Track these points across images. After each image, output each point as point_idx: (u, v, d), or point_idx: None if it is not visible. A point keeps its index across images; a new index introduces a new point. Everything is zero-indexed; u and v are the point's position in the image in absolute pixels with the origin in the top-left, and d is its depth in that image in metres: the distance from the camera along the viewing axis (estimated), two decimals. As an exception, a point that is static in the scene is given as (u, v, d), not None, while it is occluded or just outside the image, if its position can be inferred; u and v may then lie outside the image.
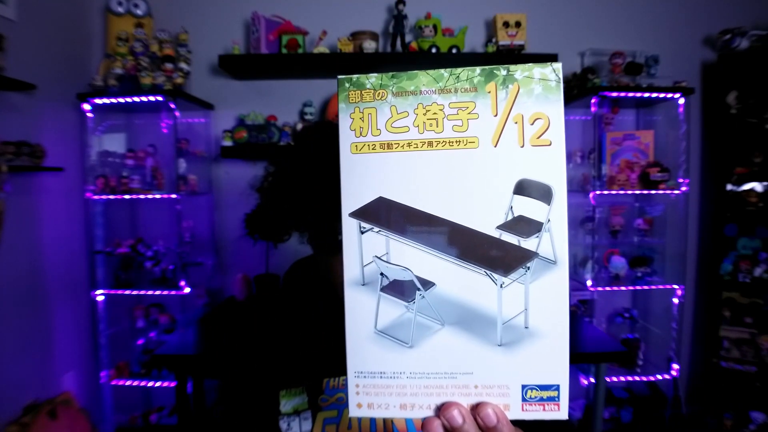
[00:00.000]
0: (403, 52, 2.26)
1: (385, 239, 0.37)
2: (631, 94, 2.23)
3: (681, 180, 2.27)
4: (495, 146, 0.36)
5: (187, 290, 2.22)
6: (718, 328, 2.32)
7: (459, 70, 0.37)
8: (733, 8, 2.44)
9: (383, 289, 0.38)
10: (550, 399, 0.36)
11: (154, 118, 2.35)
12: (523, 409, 0.36)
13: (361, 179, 0.37)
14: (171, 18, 2.40)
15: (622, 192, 2.29)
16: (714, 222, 2.46)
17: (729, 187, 2.32)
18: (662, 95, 2.25)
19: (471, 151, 0.37)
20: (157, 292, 2.23)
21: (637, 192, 2.31)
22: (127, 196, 2.21)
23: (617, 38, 2.44)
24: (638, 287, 2.36)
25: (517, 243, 0.37)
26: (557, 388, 0.36)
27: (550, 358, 0.36)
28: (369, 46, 2.25)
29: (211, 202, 2.49)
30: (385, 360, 0.37)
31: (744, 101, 2.27)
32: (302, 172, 0.63)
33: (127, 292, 2.25)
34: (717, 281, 2.35)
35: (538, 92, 0.36)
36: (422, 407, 0.37)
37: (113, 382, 2.26)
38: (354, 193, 0.37)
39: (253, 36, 2.30)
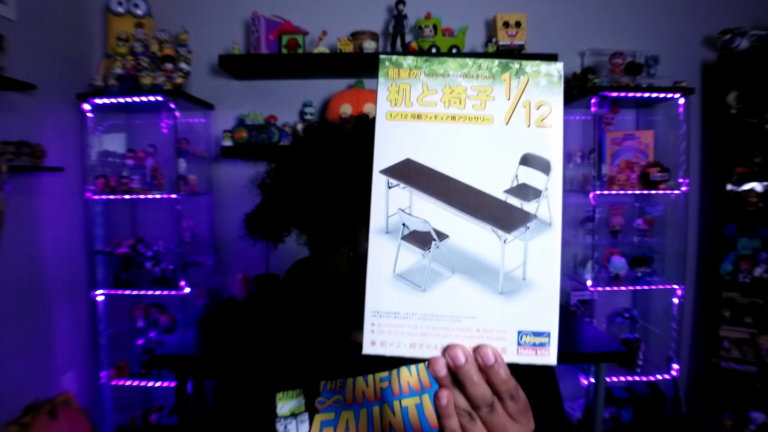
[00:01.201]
0: (403, 52, 2.26)
1: (409, 195, 0.43)
2: (631, 94, 2.23)
3: (681, 180, 2.28)
4: (506, 124, 0.43)
5: (187, 290, 2.22)
6: (718, 328, 2.32)
7: (481, 60, 0.44)
8: (733, 8, 2.44)
9: (404, 238, 0.43)
10: (542, 345, 0.41)
11: (154, 118, 2.35)
12: (518, 353, 0.41)
13: (392, 142, 0.43)
14: (171, 18, 2.40)
15: (622, 192, 2.29)
16: (714, 222, 2.46)
17: (729, 187, 2.32)
18: (662, 95, 2.25)
19: (486, 127, 0.43)
20: (157, 292, 2.23)
21: (637, 192, 2.31)
22: (127, 196, 2.21)
23: (617, 38, 2.44)
24: (638, 287, 2.37)
25: (520, 206, 0.43)
26: (548, 335, 0.41)
27: (542, 307, 0.41)
28: (369, 46, 2.25)
29: (211, 202, 2.49)
30: (400, 301, 0.42)
31: (744, 101, 2.27)
32: (304, 170, 0.63)
33: (127, 292, 2.25)
34: (717, 281, 2.35)
35: (543, 84, 0.44)
36: (429, 347, 0.41)
37: (113, 382, 2.26)
38: (385, 154, 0.43)
39: (253, 36, 2.30)
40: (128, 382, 2.26)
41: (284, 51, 2.24)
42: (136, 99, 2.14)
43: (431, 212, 0.43)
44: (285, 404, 0.67)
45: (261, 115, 2.38)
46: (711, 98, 2.46)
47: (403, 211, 0.43)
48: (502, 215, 0.42)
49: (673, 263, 2.40)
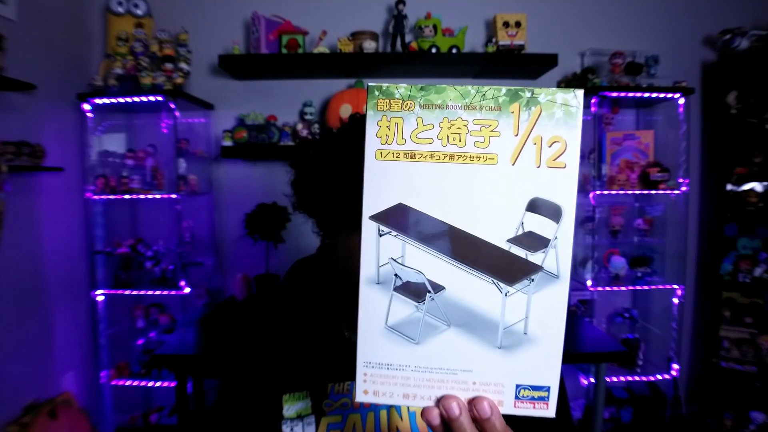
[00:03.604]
0: (403, 52, 2.26)
1: (402, 243, 0.40)
2: (631, 94, 2.23)
3: (681, 180, 2.27)
4: (513, 164, 0.38)
5: (187, 290, 2.22)
6: (718, 328, 2.32)
7: (485, 88, 0.39)
8: (733, 8, 2.44)
9: (396, 289, 0.40)
10: (541, 398, 0.40)
11: (154, 118, 2.35)
12: (515, 406, 0.40)
13: (382, 185, 0.39)
14: (171, 18, 2.40)
15: (622, 192, 2.29)
16: (714, 222, 2.46)
17: (729, 187, 2.32)
18: (662, 95, 2.25)
19: (490, 167, 0.39)
20: (157, 292, 2.23)
21: (637, 192, 2.31)
22: (127, 196, 2.21)
23: (617, 38, 2.44)
24: (638, 287, 2.36)
25: (524, 256, 0.40)
26: (548, 389, 0.40)
27: (543, 363, 0.40)
28: (369, 46, 2.25)
29: (211, 202, 2.49)
30: (393, 353, 0.40)
31: (744, 101, 2.27)
32: (342, 150, 0.63)
33: (127, 292, 2.25)
34: (717, 281, 2.35)
35: (559, 116, 0.38)
36: (423, 398, 0.40)
37: (113, 382, 2.26)
38: (375, 197, 0.39)
39: (253, 36, 2.30)
40: (128, 382, 2.26)
41: (284, 51, 2.24)
42: (136, 99, 2.13)
43: (426, 262, 0.40)
44: (291, 406, 0.67)
45: (261, 115, 2.38)
46: (711, 98, 2.46)
47: (395, 260, 0.40)
48: (504, 266, 0.39)
49: (673, 263, 2.39)
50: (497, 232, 0.39)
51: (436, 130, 0.39)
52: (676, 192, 2.28)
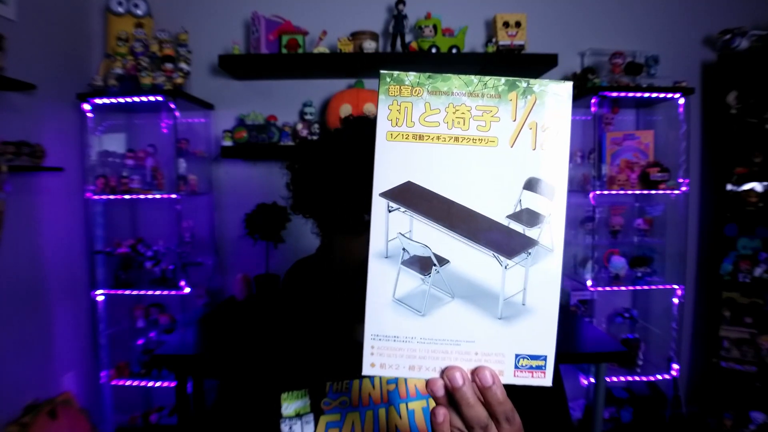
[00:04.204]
0: (403, 52, 2.26)
1: (410, 219, 0.42)
2: (631, 94, 2.23)
3: (681, 180, 2.27)
4: (511, 147, 0.42)
5: (187, 290, 2.22)
6: (718, 328, 2.32)
7: (487, 78, 0.42)
8: (733, 8, 2.44)
9: (404, 263, 0.42)
10: (538, 368, 0.42)
11: (154, 118, 2.35)
12: (514, 375, 0.42)
13: (392, 164, 0.42)
14: (171, 18, 2.40)
15: (622, 192, 2.29)
16: (714, 222, 2.46)
17: (729, 187, 2.32)
18: (662, 95, 2.25)
19: (491, 149, 0.42)
20: (157, 292, 2.23)
21: (637, 192, 2.31)
22: (127, 196, 2.21)
23: (617, 38, 2.44)
24: (638, 287, 2.36)
25: (522, 231, 0.42)
26: (545, 358, 0.42)
27: (541, 332, 0.42)
28: (369, 46, 2.25)
29: (211, 202, 2.49)
30: (400, 325, 0.42)
31: (744, 101, 2.27)
32: (339, 153, 0.64)
33: (127, 292, 2.25)
34: (717, 281, 2.35)
35: (551, 105, 0.42)
36: (428, 369, 0.42)
37: (113, 382, 2.26)
38: (385, 176, 0.42)
39: (253, 36, 2.30)
40: (128, 382, 2.26)
41: (284, 51, 2.24)
42: (136, 99, 2.14)
43: (432, 237, 0.42)
44: (290, 405, 0.67)
45: (261, 115, 2.38)
46: (711, 98, 2.46)
47: (403, 235, 0.42)
48: (503, 241, 0.42)
49: (673, 263, 2.39)
50: (498, 209, 0.42)
51: (443, 114, 0.42)
52: (676, 192, 2.28)
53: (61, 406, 1.91)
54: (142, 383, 2.26)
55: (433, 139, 0.42)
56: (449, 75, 0.42)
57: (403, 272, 0.42)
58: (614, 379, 2.32)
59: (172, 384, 2.15)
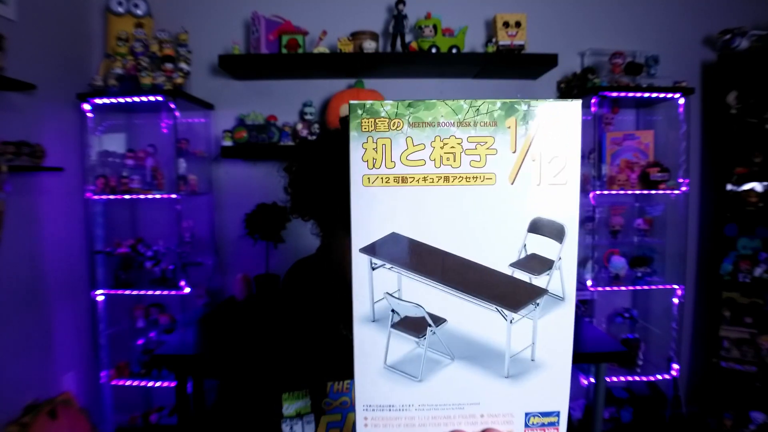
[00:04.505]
0: (403, 52, 2.26)
1: (398, 275, 0.37)
2: (631, 94, 2.23)
3: (681, 180, 2.27)
4: (512, 183, 0.36)
5: (187, 290, 2.22)
6: (718, 328, 2.32)
7: (479, 102, 0.36)
8: (733, 8, 2.44)
9: (394, 326, 0.38)
10: (551, 424, 0.38)
11: (154, 118, 2.35)
12: None
13: (372, 213, 0.36)
14: (171, 18, 2.40)
15: (622, 192, 2.29)
16: (714, 222, 2.46)
17: (729, 187, 2.32)
18: (662, 95, 2.25)
19: (487, 188, 0.36)
20: (157, 292, 2.23)
21: (637, 192, 2.31)
22: (127, 196, 2.21)
23: (617, 38, 2.44)
24: (638, 287, 2.36)
25: (528, 280, 0.38)
26: (557, 414, 0.38)
27: (552, 388, 0.38)
28: (369, 46, 2.25)
29: (211, 202, 2.49)
30: (394, 393, 0.38)
31: (744, 101, 2.27)
32: (338, 153, 0.64)
33: (127, 292, 2.25)
34: (717, 281, 2.35)
35: (557, 130, 0.36)
36: None
37: (113, 382, 2.26)
38: (365, 228, 0.37)
39: (253, 36, 2.30)
40: (128, 382, 2.26)
41: (284, 51, 2.24)
42: (136, 99, 2.13)
43: (425, 294, 0.37)
44: (291, 405, 0.67)
45: (261, 115, 2.38)
46: (711, 98, 2.46)
47: (391, 295, 0.37)
48: (507, 293, 0.37)
49: (673, 263, 2.39)
50: (499, 257, 0.37)
51: (428, 150, 0.36)
52: (676, 192, 2.28)
53: (61, 406, 1.91)
54: (142, 383, 2.26)
55: (418, 180, 0.36)
56: (434, 101, 0.36)
57: (394, 336, 0.38)
58: (614, 379, 2.32)
59: (172, 384, 2.15)
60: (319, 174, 0.65)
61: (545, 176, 0.36)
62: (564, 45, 2.41)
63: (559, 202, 0.36)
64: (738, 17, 2.39)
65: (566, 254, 0.37)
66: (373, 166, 0.36)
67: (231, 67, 2.29)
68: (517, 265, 0.37)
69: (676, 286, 2.32)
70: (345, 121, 0.70)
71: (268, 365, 0.71)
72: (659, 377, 2.36)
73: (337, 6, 2.44)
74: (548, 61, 2.24)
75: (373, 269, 0.37)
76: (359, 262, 0.37)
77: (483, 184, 0.36)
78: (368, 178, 0.36)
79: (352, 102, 0.36)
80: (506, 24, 2.25)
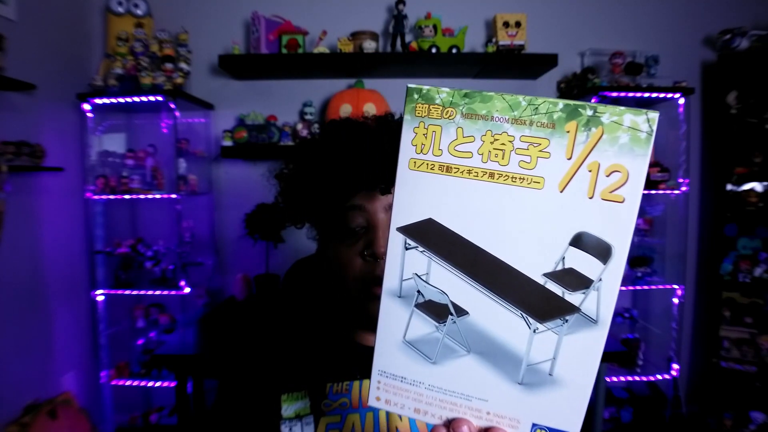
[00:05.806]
0: (403, 52, 2.26)
1: (428, 260, 0.37)
2: (631, 94, 2.23)
3: (681, 180, 2.27)
4: (561, 191, 0.34)
5: (187, 290, 2.22)
6: (718, 328, 2.32)
7: (540, 100, 0.34)
8: (733, 8, 2.44)
9: (418, 306, 0.39)
10: None
11: (154, 118, 2.35)
12: None
13: (414, 197, 0.37)
14: (171, 18, 2.40)
15: (622, 192, 2.28)
16: (714, 222, 2.46)
17: (729, 187, 2.32)
18: (662, 95, 2.25)
19: (533, 192, 0.34)
20: (157, 292, 2.23)
21: (637, 192, 2.30)
22: (127, 196, 2.21)
23: (617, 38, 2.44)
24: (638, 287, 2.36)
25: (561, 294, 0.36)
26: None
27: (567, 408, 0.36)
28: (369, 46, 2.25)
29: (211, 202, 2.49)
30: (408, 368, 0.39)
31: (744, 101, 2.27)
32: (328, 158, 0.64)
33: (127, 292, 2.24)
34: (717, 281, 2.35)
35: (623, 142, 0.33)
36: (434, 416, 0.39)
37: (113, 382, 2.26)
38: (405, 209, 0.37)
39: (253, 36, 2.30)
40: (128, 382, 2.26)
41: (284, 51, 2.24)
42: (136, 99, 2.13)
43: (451, 283, 0.37)
44: (290, 406, 0.66)
45: (261, 115, 2.37)
46: (711, 98, 2.46)
47: (419, 277, 0.38)
48: (536, 302, 0.36)
49: (673, 263, 2.39)
50: (533, 264, 0.35)
51: (477, 143, 0.35)
52: (676, 192, 2.28)
53: (61, 406, 1.91)
54: (142, 383, 2.26)
55: (463, 172, 0.35)
56: (491, 94, 0.35)
57: (416, 315, 0.39)
58: (614, 379, 2.32)
59: (172, 384, 2.15)
60: (302, 183, 0.65)
61: (600, 189, 0.33)
62: (564, 45, 2.41)
63: (611, 220, 0.34)
64: (738, 17, 2.38)
65: (609, 277, 0.35)
66: (421, 151, 0.36)
67: (231, 67, 2.29)
68: (552, 276, 0.35)
69: (676, 286, 2.32)
70: (324, 128, 0.70)
71: (267, 366, 0.70)
72: (659, 377, 2.36)
73: (337, 6, 2.44)
74: (548, 61, 2.24)
75: (407, 249, 0.38)
76: (395, 240, 0.38)
77: (529, 187, 0.34)
78: (414, 162, 0.36)
79: (410, 85, 0.37)
80: (506, 24, 2.25)
